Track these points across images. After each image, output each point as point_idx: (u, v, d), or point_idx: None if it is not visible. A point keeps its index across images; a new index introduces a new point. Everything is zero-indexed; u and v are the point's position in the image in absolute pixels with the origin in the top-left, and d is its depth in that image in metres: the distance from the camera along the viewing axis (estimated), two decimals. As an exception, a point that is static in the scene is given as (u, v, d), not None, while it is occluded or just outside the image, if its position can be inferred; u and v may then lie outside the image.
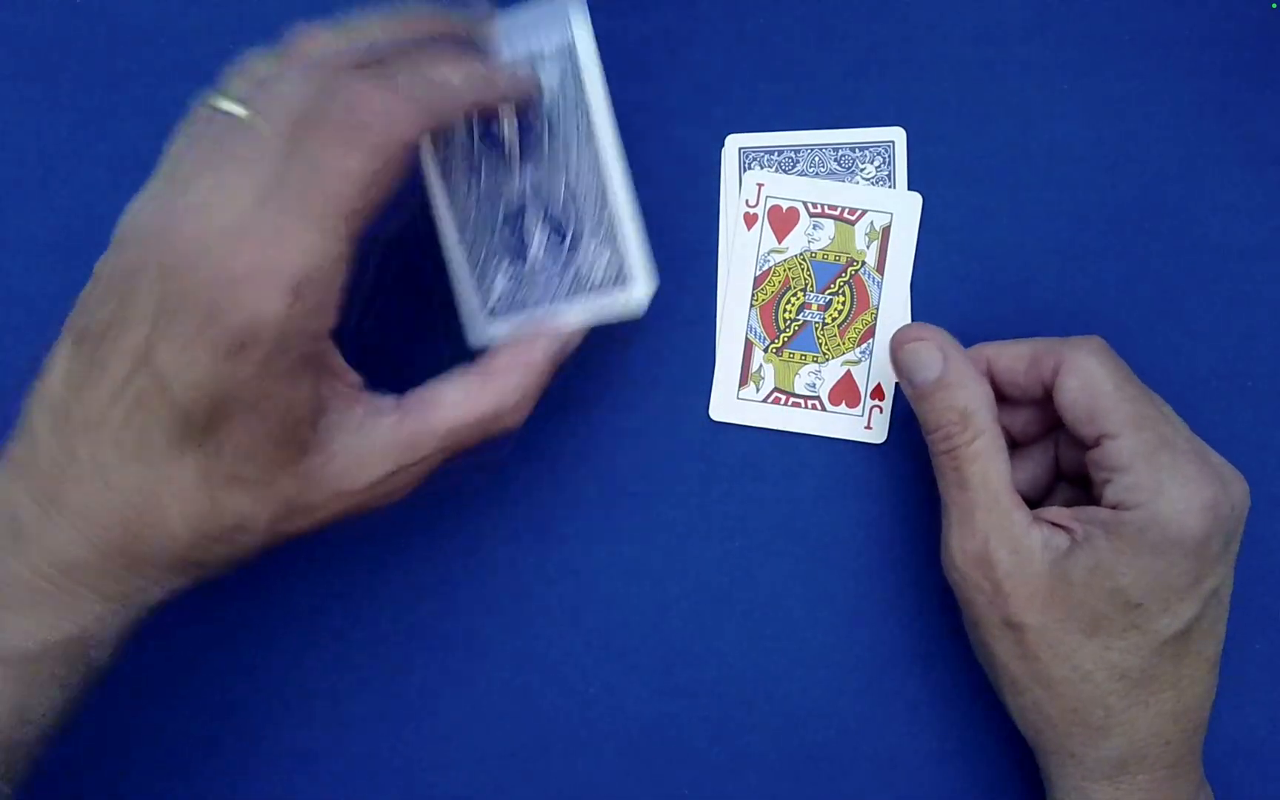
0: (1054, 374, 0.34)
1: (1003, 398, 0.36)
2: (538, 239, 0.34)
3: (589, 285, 0.34)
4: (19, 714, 0.29)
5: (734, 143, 0.39)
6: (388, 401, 0.32)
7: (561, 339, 0.34)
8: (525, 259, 0.35)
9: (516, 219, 0.35)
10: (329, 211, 0.28)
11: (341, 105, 0.28)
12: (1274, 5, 0.40)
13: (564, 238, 0.34)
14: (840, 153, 0.37)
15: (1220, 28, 0.40)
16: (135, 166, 0.41)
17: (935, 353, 0.34)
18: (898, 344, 0.35)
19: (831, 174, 0.36)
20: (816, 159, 0.37)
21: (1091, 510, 0.34)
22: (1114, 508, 0.33)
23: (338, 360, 0.31)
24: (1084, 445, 0.34)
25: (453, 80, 0.31)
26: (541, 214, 0.34)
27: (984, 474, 0.34)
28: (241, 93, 0.30)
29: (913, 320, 0.40)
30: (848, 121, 0.40)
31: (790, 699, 0.41)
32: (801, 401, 0.39)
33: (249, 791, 0.41)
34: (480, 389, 0.32)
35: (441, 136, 0.35)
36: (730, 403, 0.40)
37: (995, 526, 0.33)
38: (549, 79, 0.33)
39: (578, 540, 0.41)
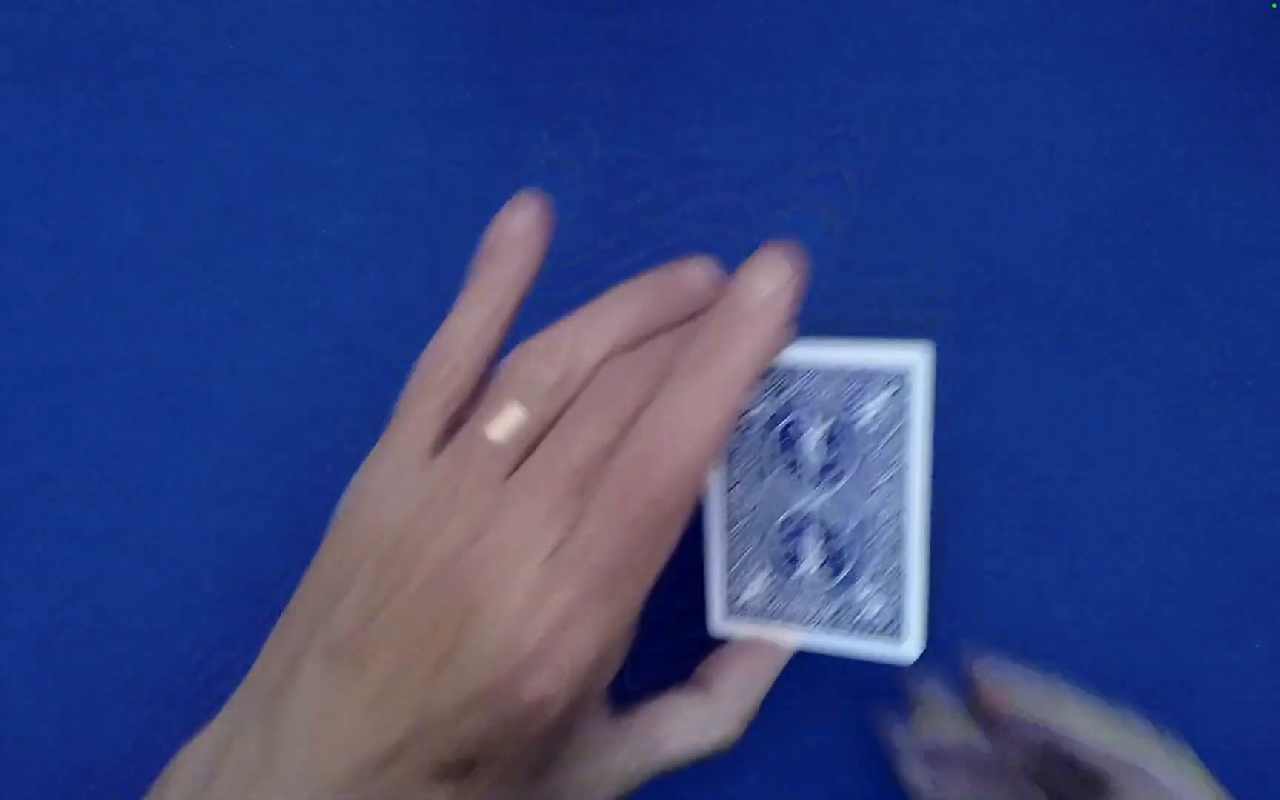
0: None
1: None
2: (810, 561, 0.33)
3: (854, 625, 0.33)
4: None
5: None
6: (618, 726, 0.31)
7: (786, 656, 0.34)
8: (790, 576, 0.34)
9: (793, 536, 0.33)
10: (629, 588, 0.26)
11: (641, 456, 0.26)
12: (1274, 5, 0.40)
13: (839, 570, 0.33)
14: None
15: (1220, 28, 0.40)
16: (135, 167, 0.41)
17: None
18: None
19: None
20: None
21: None
22: None
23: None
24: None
25: (745, 368, 0.28)
26: (822, 539, 0.33)
27: None
28: (515, 425, 0.27)
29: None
30: (845, 118, 0.40)
31: (790, 699, 0.41)
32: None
33: (249, 791, 0.41)
34: (708, 723, 0.32)
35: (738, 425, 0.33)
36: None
37: None
38: (873, 407, 0.32)
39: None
